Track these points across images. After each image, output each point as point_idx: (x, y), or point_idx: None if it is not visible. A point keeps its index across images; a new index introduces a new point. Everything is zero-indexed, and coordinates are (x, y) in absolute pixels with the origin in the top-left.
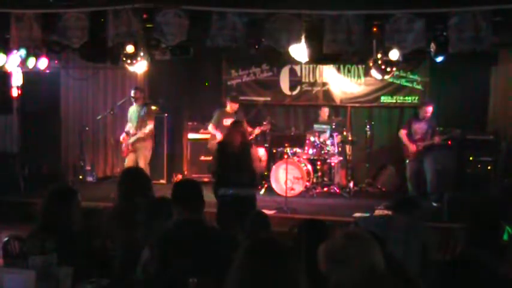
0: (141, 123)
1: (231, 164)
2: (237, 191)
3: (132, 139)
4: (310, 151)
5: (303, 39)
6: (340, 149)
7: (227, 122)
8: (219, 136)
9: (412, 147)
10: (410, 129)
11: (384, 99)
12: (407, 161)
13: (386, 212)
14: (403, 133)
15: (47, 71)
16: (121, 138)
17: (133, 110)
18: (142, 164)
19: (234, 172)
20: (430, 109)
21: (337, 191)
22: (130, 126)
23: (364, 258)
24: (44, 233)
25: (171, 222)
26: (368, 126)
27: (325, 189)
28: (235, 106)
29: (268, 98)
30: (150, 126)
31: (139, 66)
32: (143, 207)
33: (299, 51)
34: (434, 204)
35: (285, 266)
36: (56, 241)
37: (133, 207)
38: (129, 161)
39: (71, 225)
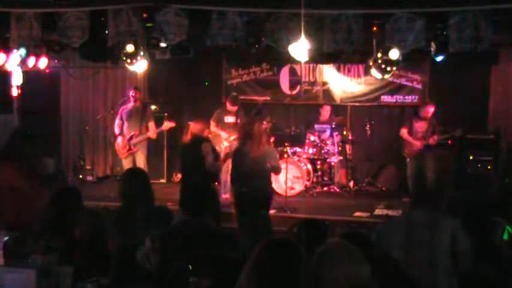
0: (145, 123)
1: (187, 161)
2: None
3: (139, 139)
4: (310, 150)
5: (303, 39)
6: (340, 148)
7: (228, 119)
8: (223, 135)
9: (416, 145)
10: (411, 127)
11: (384, 98)
12: (407, 160)
13: (386, 211)
14: (404, 132)
15: (47, 71)
16: (119, 140)
17: (132, 110)
18: (142, 162)
19: (189, 170)
20: (431, 109)
21: (337, 190)
22: (127, 126)
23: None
24: (48, 233)
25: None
26: (368, 126)
27: (325, 188)
28: (235, 107)
29: (268, 98)
30: (152, 125)
31: (140, 66)
32: (143, 216)
33: (299, 50)
34: None
35: (300, 265)
36: (60, 241)
37: (134, 211)
38: (127, 162)
39: (74, 225)
